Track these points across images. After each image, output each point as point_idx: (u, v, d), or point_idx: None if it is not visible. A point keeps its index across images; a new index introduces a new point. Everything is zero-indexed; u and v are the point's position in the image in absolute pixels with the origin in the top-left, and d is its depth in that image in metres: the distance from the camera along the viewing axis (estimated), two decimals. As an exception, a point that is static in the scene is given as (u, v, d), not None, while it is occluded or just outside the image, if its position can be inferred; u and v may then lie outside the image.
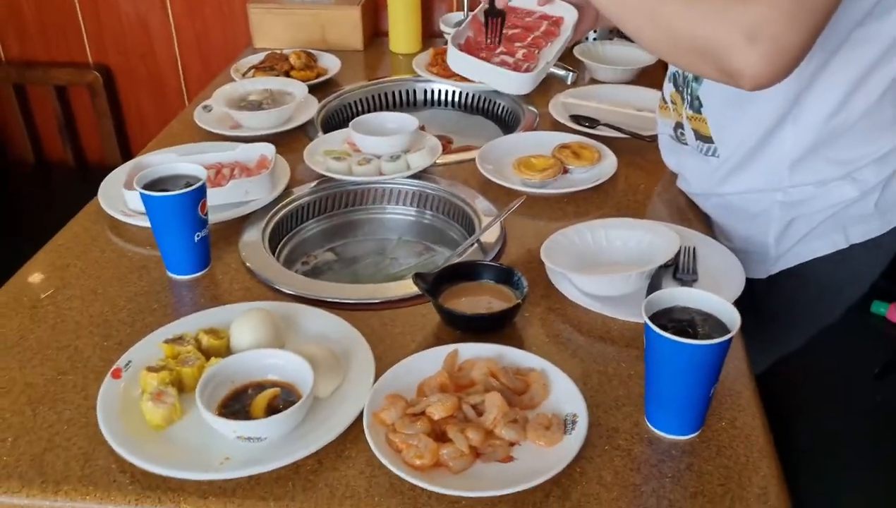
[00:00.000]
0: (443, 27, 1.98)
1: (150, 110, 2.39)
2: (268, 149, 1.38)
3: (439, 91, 1.83)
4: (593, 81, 1.78)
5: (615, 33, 1.93)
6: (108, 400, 0.90)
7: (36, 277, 1.17)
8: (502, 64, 1.24)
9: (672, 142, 1.30)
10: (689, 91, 1.20)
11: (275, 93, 1.63)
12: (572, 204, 1.32)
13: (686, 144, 1.26)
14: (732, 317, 0.82)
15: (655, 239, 1.12)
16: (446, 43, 1.98)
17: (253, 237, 1.24)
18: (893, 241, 1.18)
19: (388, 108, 1.83)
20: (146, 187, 1.12)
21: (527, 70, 1.23)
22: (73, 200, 1.38)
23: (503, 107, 1.75)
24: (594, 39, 1.92)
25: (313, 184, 1.38)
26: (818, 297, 1.25)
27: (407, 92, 1.84)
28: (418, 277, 1.05)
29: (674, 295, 0.86)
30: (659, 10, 0.97)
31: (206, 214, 1.13)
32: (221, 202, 1.27)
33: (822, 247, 1.18)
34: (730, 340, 0.79)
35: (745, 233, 1.24)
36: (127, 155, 2.36)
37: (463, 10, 2.02)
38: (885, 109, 1.08)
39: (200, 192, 1.11)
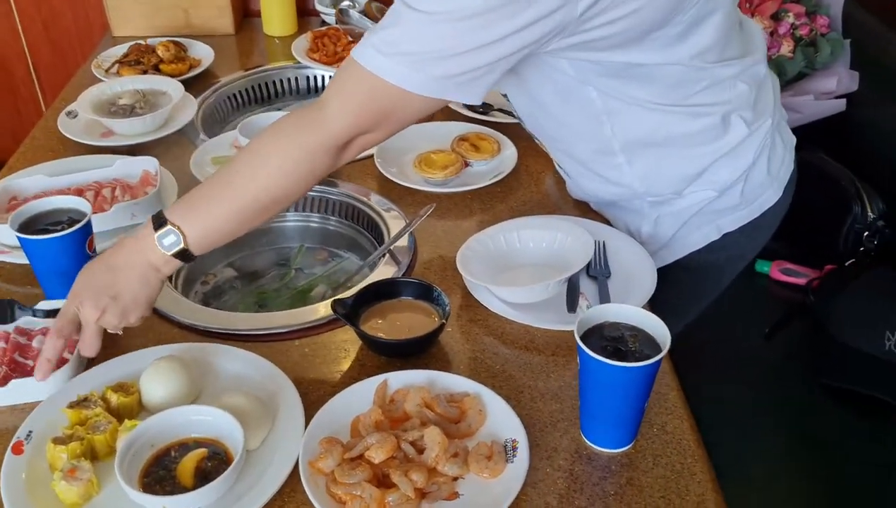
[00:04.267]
0: (318, 6, 1.89)
1: (-3, 104, 2.18)
2: (150, 164, 1.28)
3: (323, 77, 1.76)
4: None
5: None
6: (13, 480, 0.82)
7: None
8: None
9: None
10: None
11: (147, 94, 1.51)
12: (477, 200, 1.30)
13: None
14: (662, 333, 0.83)
15: (568, 239, 1.12)
16: (323, 24, 1.91)
17: (146, 265, 1.15)
18: (769, 219, 1.20)
19: (269, 100, 1.74)
20: (23, 227, 1.01)
21: None
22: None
23: (391, 93, 1.70)
24: (475, 14, 1.89)
25: (204, 196, 1.30)
26: (701, 281, 1.27)
27: (289, 80, 1.75)
28: (337, 303, 1.01)
29: (602, 311, 0.86)
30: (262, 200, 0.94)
31: (93, 251, 1.04)
32: (105, 228, 1.17)
33: (696, 242, 1.19)
34: (661, 359, 0.81)
35: (624, 225, 1.24)
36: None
37: (338, -14, 1.93)
38: (707, 116, 1.06)
39: (86, 230, 1.01)
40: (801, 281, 1.69)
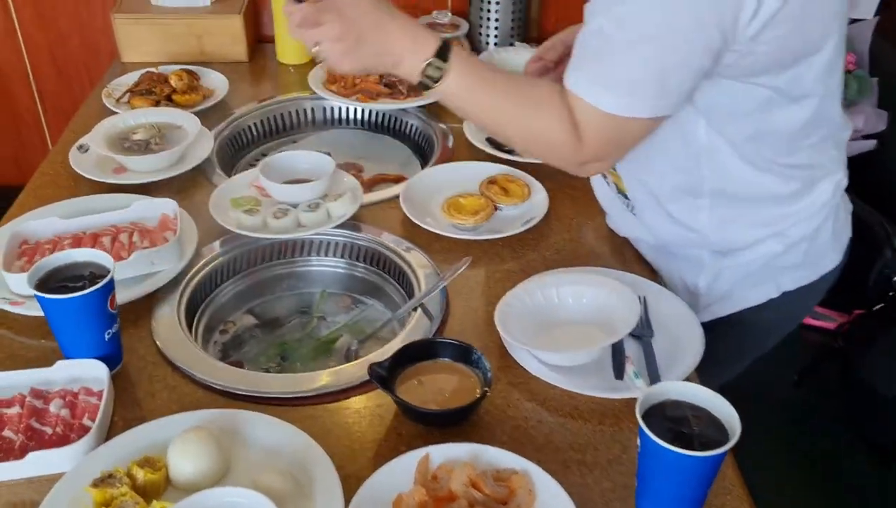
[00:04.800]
0: (334, 34, 1.84)
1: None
2: (170, 207, 1.23)
3: (339, 109, 1.71)
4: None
5: (515, 38, 1.86)
6: (33, 568, 0.77)
7: None
8: None
9: (600, 180, 1.26)
10: None
11: (162, 128, 1.46)
12: (508, 247, 1.25)
13: (609, 187, 1.22)
14: (729, 416, 0.78)
15: (612, 297, 1.07)
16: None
17: (166, 316, 1.10)
18: (825, 281, 1.18)
19: (285, 131, 1.69)
20: (40, 284, 0.96)
21: None
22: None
23: (412, 127, 1.65)
24: (495, 45, 1.85)
25: (224, 240, 1.25)
26: (748, 338, 1.24)
27: (304, 112, 1.70)
28: (374, 368, 0.96)
29: (663, 389, 0.82)
30: (490, 116, 1.02)
31: (115, 309, 0.98)
32: (124, 277, 1.12)
33: (754, 297, 1.16)
34: (730, 448, 0.76)
35: (678, 275, 1.21)
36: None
37: (354, 14, 1.88)
38: (799, 179, 1.06)
39: (109, 288, 0.96)
40: (830, 324, 1.65)
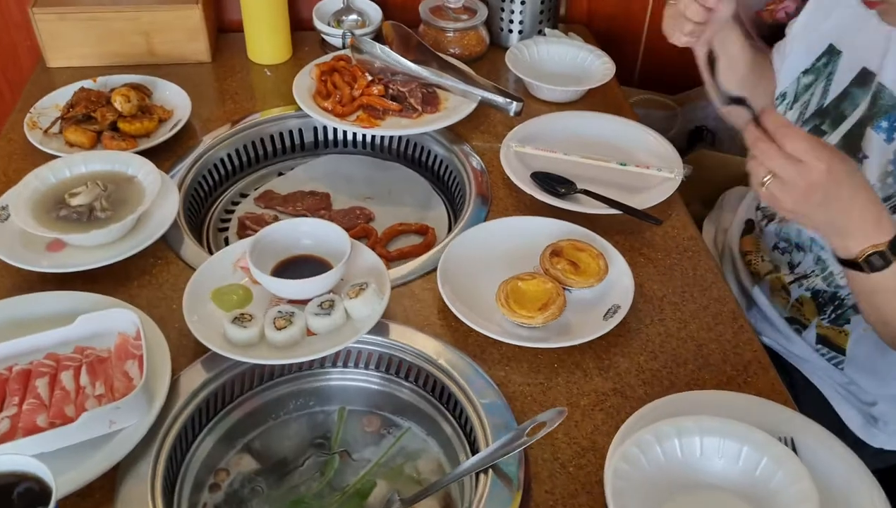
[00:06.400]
0: (317, 23, 1.47)
1: None
2: (128, 322, 0.89)
3: (335, 130, 1.35)
4: (529, 96, 1.37)
5: (545, 23, 1.50)
6: None
7: None
8: None
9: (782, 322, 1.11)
10: (838, 311, 1.04)
11: (109, 183, 1.09)
12: (589, 351, 0.95)
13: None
14: None
15: (770, 462, 0.77)
16: (323, 43, 1.48)
17: (134, 497, 0.78)
18: None
19: (267, 159, 1.33)
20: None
21: None
22: None
23: (431, 153, 1.31)
24: (520, 33, 1.49)
25: (208, 358, 0.91)
26: None
27: (291, 134, 1.34)
28: None
29: None
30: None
31: (60, 542, 0.66)
32: (69, 444, 0.79)
33: None
34: None
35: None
36: None
37: (342, -2, 1.51)
38: None
39: (50, 522, 0.63)
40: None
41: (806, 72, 1.03)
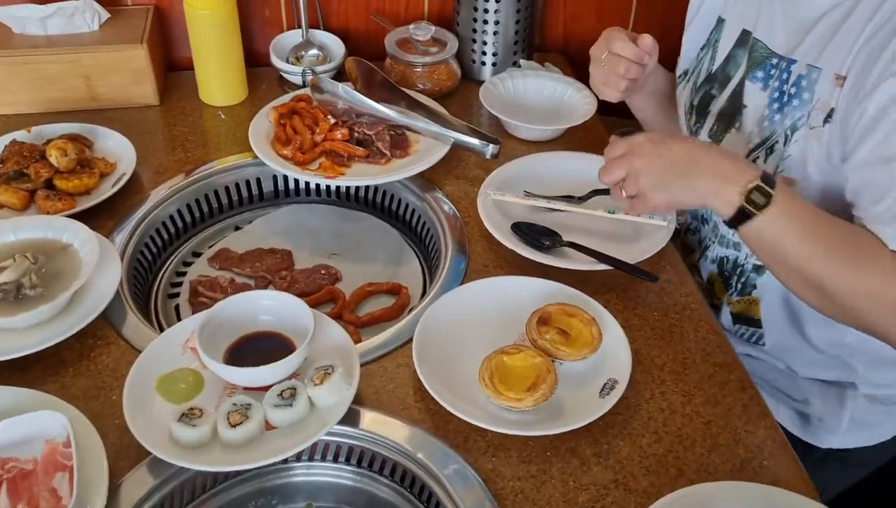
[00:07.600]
0: (274, 59, 1.36)
1: None
2: (57, 426, 0.77)
3: (296, 181, 1.24)
4: (505, 135, 1.27)
5: (520, 54, 1.40)
6: None
7: None
8: None
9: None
10: (742, 279, 1.07)
11: (40, 253, 0.97)
12: (586, 436, 0.84)
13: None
14: None
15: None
16: (281, 80, 1.36)
17: None
18: None
19: (222, 213, 1.22)
20: None
21: None
22: None
23: (401, 202, 1.20)
24: (493, 65, 1.39)
25: (152, 462, 0.80)
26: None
27: (248, 183, 1.23)
28: None
29: None
30: (809, 266, 0.84)
31: None
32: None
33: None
34: None
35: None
36: None
37: (301, 29, 1.40)
38: None
39: None
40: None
41: (703, 47, 1.10)
